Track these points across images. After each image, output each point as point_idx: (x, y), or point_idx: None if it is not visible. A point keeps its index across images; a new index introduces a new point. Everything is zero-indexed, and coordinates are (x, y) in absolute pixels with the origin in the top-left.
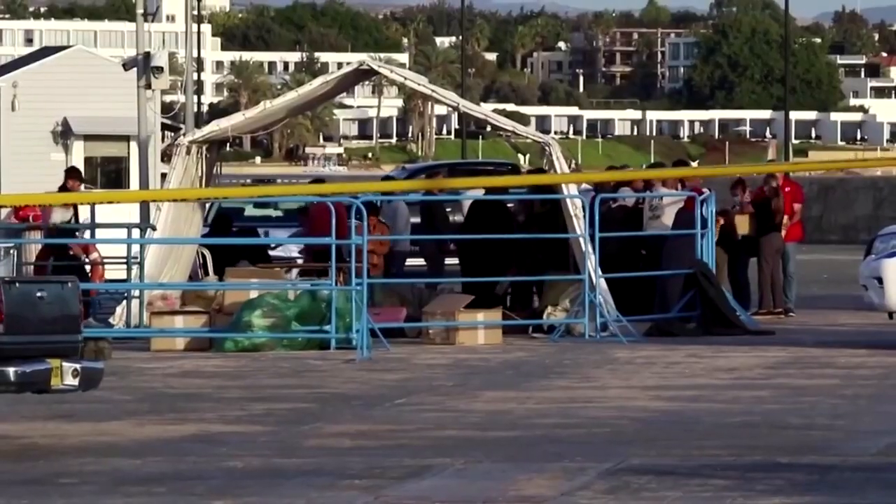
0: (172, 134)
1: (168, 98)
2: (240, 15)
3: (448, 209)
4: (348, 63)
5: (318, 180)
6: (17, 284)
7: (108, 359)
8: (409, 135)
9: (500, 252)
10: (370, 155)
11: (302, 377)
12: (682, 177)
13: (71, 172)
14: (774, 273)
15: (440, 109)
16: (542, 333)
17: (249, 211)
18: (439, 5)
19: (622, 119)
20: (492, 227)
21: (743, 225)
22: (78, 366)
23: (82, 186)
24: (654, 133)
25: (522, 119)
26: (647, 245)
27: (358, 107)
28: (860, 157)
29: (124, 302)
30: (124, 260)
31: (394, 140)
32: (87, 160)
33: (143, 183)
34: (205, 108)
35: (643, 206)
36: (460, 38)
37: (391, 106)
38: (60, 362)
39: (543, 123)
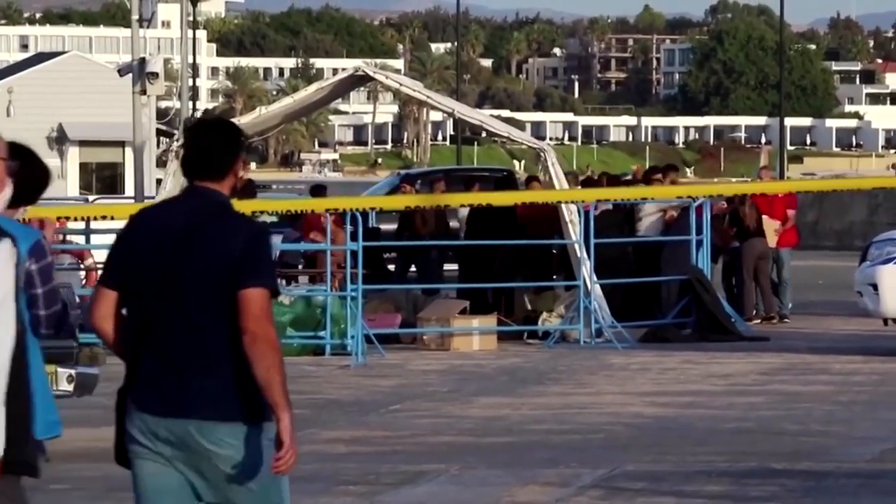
0: (168, 140)
1: (163, 104)
2: (235, 21)
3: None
4: (343, 69)
5: (319, 187)
6: None
7: (103, 364)
8: (405, 141)
9: (506, 257)
10: (379, 161)
11: (297, 383)
12: (674, 185)
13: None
14: (761, 278)
15: (435, 115)
16: (536, 339)
17: None
18: (434, 11)
19: (617, 125)
20: (496, 231)
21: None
22: (73, 371)
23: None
24: (650, 139)
25: (518, 125)
26: (635, 250)
27: (353, 113)
28: (855, 164)
29: None
30: None
31: (389, 146)
32: (83, 166)
33: (139, 189)
34: (200, 114)
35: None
36: (455, 44)
37: (386, 112)
38: (55, 368)
39: (539, 129)
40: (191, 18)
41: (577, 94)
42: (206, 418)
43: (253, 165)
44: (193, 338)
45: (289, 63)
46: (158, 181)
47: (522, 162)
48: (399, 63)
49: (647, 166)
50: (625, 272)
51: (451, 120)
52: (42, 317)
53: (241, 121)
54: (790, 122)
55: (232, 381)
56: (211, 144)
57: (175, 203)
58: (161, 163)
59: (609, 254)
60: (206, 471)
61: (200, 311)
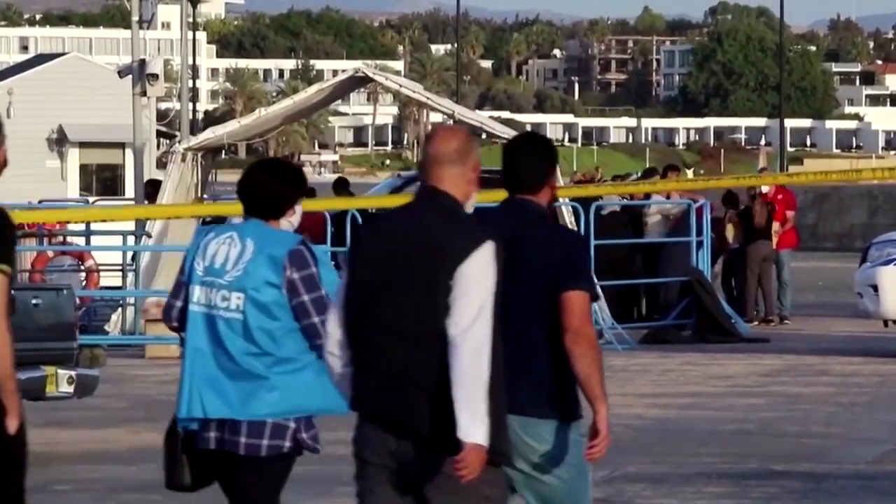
0: (168, 141)
1: (163, 105)
2: (235, 22)
3: None
4: (343, 70)
5: (342, 180)
6: (12, 292)
7: (104, 366)
8: (405, 142)
9: None
10: (387, 162)
11: None
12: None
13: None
14: (764, 281)
15: (435, 117)
16: None
17: None
18: (434, 13)
19: (617, 127)
20: None
21: (728, 234)
22: (73, 373)
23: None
24: (650, 141)
25: (518, 126)
26: (643, 253)
27: (353, 114)
28: (854, 165)
29: (119, 309)
30: (120, 267)
31: (389, 148)
32: (83, 167)
33: (139, 191)
34: (200, 116)
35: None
36: (455, 45)
37: (386, 113)
38: (56, 369)
39: (539, 131)
40: (191, 20)
41: (577, 96)
42: (529, 415)
43: None
44: (517, 342)
45: (289, 64)
46: (157, 182)
47: None
48: (399, 64)
49: (647, 167)
50: (628, 274)
51: (451, 121)
52: (317, 324)
53: (242, 122)
54: (790, 123)
55: (550, 383)
56: (528, 160)
57: (498, 215)
58: (161, 164)
59: (613, 255)
60: (523, 464)
61: (525, 317)
